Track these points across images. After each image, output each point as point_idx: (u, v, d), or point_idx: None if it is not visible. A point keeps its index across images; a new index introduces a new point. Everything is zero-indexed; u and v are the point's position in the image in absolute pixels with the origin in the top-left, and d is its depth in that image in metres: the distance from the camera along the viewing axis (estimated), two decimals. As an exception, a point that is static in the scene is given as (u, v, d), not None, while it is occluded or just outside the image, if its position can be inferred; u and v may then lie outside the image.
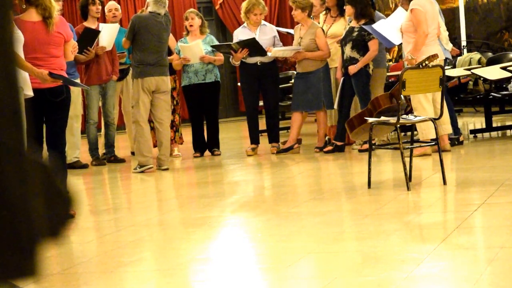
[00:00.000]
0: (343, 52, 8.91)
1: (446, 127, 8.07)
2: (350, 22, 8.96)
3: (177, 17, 15.42)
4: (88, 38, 9.07)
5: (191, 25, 9.68)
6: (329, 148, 8.98)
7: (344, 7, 9.05)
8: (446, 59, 8.77)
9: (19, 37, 5.56)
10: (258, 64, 9.41)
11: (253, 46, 9.22)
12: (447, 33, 9.00)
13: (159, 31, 8.60)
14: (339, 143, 8.97)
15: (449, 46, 8.92)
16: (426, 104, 7.85)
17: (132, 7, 15.14)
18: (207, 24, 9.93)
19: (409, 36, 8.03)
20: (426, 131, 7.90)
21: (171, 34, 10.18)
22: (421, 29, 7.89)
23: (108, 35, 9.32)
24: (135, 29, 8.58)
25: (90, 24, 9.51)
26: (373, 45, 8.74)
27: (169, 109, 8.79)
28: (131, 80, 8.88)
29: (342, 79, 8.92)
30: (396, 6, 12.32)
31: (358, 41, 8.76)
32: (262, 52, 9.26)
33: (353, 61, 8.77)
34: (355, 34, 8.77)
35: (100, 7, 9.58)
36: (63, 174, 5.97)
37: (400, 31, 8.21)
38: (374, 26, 8.57)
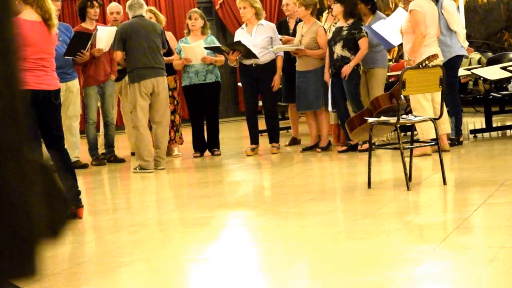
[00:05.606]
0: (332, 52, 8.85)
1: (444, 127, 8.05)
2: (338, 21, 8.88)
3: (177, 17, 15.42)
4: (80, 41, 9.01)
5: (193, 25, 9.66)
6: (344, 148, 8.90)
7: (332, 6, 8.99)
8: (462, 56, 8.73)
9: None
10: (253, 65, 9.37)
11: (242, 49, 9.17)
12: (465, 30, 8.91)
13: (146, 32, 8.54)
14: (352, 142, 8.85)
15: (466, 44, 8.81)
16: (425, 103, 7.83)
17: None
18: (209, 26, 9.92)
19: (409, 37, 8.01)
20: (426, 131, 7.88)
21: (171, 34, 10.18)
22: (419, 30, 7.86)
23: (106, 37, 9.27)
24: (123, 38, 8.54)
25: (88, 25, 9.49)
26: (363, 44, 8.69)
27: (167, 109, 8.77)
28: None
29: (331, 80, 8.87)
30: (396, 6, 12.31)
31: (349, 40, 8.71)
32: (252, 54, 9.17)
33: (345, 60, 8.71)
34: (344, 33, 8.73)
35: (98, 9, 9.54)
36: (72, 174, 5.95)
37: (400, 32, 8.19)
38: (373, 27, 8.55)
